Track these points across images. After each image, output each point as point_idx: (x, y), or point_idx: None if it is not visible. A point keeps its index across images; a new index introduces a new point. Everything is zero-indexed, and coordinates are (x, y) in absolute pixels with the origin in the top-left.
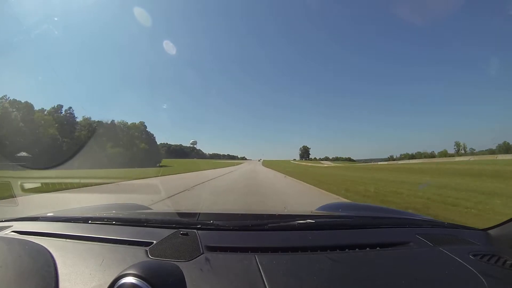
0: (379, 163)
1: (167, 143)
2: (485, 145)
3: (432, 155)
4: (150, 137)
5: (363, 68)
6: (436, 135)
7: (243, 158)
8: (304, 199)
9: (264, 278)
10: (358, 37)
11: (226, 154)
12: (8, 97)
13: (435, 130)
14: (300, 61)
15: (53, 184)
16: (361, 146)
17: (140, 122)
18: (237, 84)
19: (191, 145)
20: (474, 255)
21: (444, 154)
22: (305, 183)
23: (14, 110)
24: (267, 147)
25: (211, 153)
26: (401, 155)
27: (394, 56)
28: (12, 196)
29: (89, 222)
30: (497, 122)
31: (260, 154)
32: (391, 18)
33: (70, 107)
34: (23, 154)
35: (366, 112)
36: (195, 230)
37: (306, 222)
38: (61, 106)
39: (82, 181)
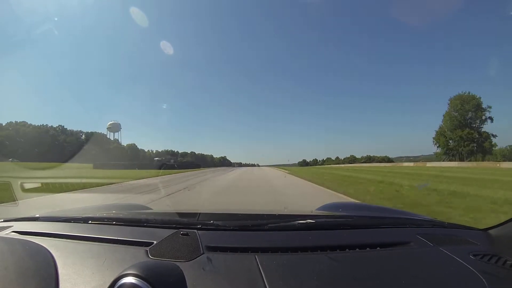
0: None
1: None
2: None
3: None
4: None
5: (362, 68)
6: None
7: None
8: None
9: (264, 278)
10: (357, 36)
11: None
12: None
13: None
14: (296, 61)
15: None
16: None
17: None
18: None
19: (109, 131)
20: (474, 255)
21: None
22: None
23: None
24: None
25: (160, 150)
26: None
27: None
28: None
29: (89, 222)
30: None
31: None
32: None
33: None
34: None
35: (358, 111)
36: (195, 230)
37: (306, 222)
38: None
39: None
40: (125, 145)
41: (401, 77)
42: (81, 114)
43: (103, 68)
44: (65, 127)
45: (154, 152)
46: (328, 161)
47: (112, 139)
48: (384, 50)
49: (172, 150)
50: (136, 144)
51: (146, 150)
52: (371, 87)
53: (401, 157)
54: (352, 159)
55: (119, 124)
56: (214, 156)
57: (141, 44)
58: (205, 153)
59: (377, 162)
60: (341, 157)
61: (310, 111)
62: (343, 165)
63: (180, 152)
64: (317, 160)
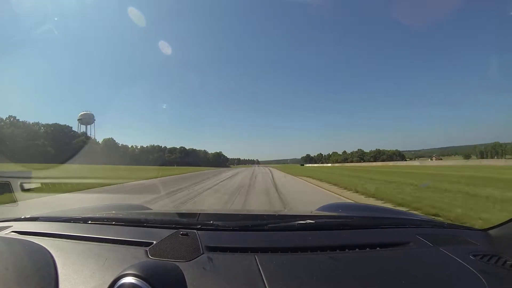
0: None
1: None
2: None
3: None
4: None
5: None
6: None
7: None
8: None
9: (264, 278)
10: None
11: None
12: None
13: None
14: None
15: None
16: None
17: None
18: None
19: (80, 124)
20: (474, 255)
21: None
22: None
23: None
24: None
25: (145, 145)
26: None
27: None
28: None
29: (89, 222)
30: None
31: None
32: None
33: None
34: None
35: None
36: (195, 231)
37: (306, 223)
38: None
39: None
40: (99, 140)
41: (401, 74)
42: (76, 112)
43: (92, 64)
44: (17, 118)
45: (139, 147)
46: (334, 155)
47: (88, 133)
48: (383, 48)
49: (159, 146)
50: (115, 139)
51: (130, 146)
52: (371, 83)
53: (405, 150)
54: (361, 154)
55: (93, 115)
56: (209, 151)
57: (136, 41)
58: (197, 148)
59: (388, 156)
60: (342, 151)
61: (310, 107)
62: (390, 164)
63: (168, 147)
64: (322, 154)
